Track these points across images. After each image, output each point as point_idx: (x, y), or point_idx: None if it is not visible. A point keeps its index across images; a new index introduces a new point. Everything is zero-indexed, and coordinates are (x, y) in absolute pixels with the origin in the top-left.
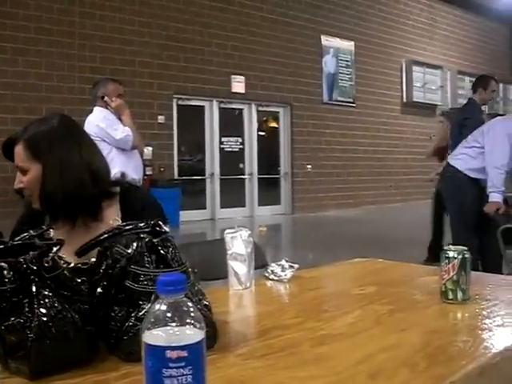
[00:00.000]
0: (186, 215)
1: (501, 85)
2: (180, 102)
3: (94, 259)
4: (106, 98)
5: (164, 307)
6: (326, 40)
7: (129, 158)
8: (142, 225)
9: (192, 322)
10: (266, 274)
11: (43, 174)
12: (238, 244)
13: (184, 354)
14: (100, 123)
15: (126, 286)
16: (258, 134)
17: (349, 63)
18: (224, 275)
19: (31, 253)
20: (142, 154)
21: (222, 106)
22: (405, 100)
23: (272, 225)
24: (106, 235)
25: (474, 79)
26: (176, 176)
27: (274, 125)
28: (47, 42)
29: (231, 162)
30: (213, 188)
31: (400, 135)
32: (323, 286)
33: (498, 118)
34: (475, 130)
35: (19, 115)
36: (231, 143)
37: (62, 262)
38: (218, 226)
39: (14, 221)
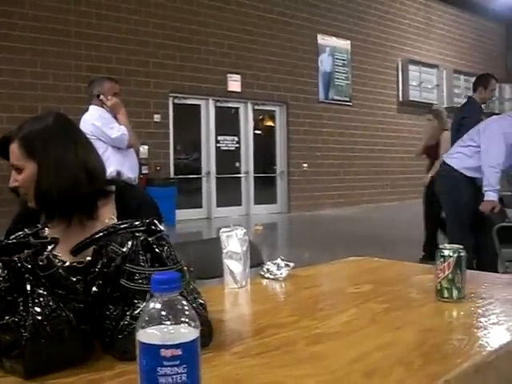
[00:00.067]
0: (182, 214)
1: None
2: (176, 101)
3: (89, 258)
4: (101, 97)
5: (158, 306)
6: (321, 39)
7: (124, 157)
8: (137, 223)
9: (187, 320)
10: (262, 273)
11: (38, 172)
12: (234, 242)
13: (178, 352)
14: (96, 122)
15: (121, 284)
16: (254, 133)
17: (345, 62)
18: (219, 274)
19: (26, 251)
20: (137, 152)
21: (218, 104)
22: (401, 99)
23: (268, 223)
24: (101, 234)
25: (469, 78)
26: (172, 175)
27: (270, 123)
28: (43, 40)
29: (227, 160)
30: (209, 187)
31: (396, 134)
32: (319, 285)
33: (494, 116)
34: (471, 129)
35: (15, 114)
36: (227, 142)
37: (57, 260)
38: (214, 225)
39: (10, 219)
